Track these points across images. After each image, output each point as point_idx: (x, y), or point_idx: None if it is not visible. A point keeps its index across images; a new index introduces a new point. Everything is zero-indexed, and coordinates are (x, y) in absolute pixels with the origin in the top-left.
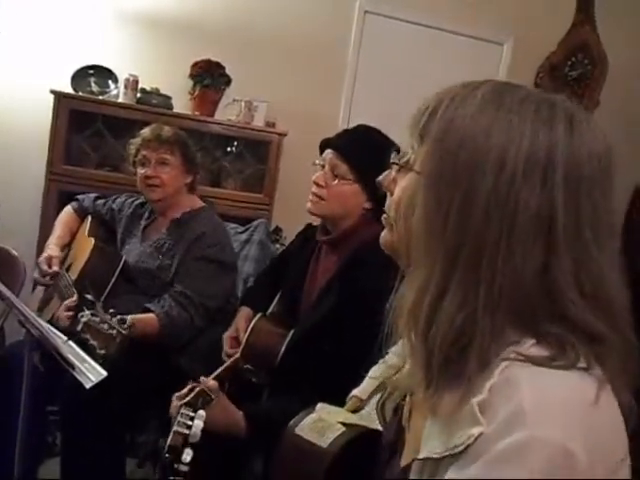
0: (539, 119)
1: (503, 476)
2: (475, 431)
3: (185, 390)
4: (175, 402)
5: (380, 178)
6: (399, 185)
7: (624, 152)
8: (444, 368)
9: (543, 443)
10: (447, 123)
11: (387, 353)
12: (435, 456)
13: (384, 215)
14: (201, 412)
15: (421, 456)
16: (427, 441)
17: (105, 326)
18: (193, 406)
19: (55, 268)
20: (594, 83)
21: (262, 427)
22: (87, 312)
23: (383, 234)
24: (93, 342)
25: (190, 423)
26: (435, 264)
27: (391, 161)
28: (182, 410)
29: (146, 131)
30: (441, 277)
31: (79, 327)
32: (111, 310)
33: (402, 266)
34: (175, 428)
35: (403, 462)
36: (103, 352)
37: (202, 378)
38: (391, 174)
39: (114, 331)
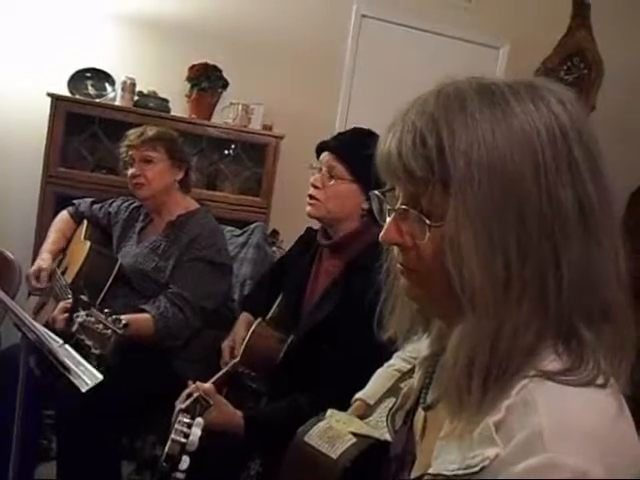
0: (541, 108)
1: None
2: (491, 453)
3: (182, 396)
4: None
5: (383, 235)
6: (425, 238)
7: (619, 156)
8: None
9: (562, 467)
10: (465, 156)
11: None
12: (448, 473)
13: (399, 267)
14: (199, 420)
15: (433, 471)
16: (439, 456)
17: (100, 326)
18: (191, 413)
19: (44, 283)
20: (590, 87)
21: (261, 427)
22: (82, 313)
23: (408, 286)
24: (88, 342)
25: (188, 431)
26: (505, 303)
27: (396, 208)
28: (180, 417)
29: (131, 132)
30: (516, 312)
31: (74, 328)
32: (106, 310)
33: (432, 315)
34: (173, 436)
35: (413, 474)
36: (98, 352)
37: (198, 383)
38: (391, 227)
39: (109, 331)
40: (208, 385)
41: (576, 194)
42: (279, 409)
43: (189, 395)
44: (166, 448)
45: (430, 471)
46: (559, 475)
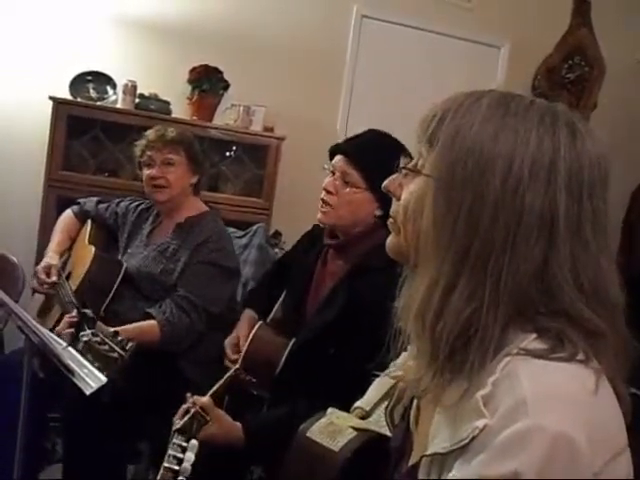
0: (543, 127)
1: (507, 465)
2: (480, 423)
3: (180, 412)
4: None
5: (386, 183)
6: (407, 189)
7: (621, 154)
8: (449, 360)
9: (545, 431)
10: (455, 130)
11: (395, 358)
12: (442, 451)
13: (390, 220)
14: (193, 442)
15: (429, 452)
16: (434, 438)
17: (106, 347)
18: (187, 432)
19: (54, 278)
20: (591, 85)
21: (261, 439)
22: (88, 331)
23: (389, 239)
24: (94, 364)
25: (181, 456)
26: (444, 263)
27: (400, 166)
28: (174, 439)
29: (151, 132)
30: (450, 274)
31: (80, 346)
32: (112, 329)
33: (408, 268)
34: (165, 464)
35: (411, 462)
36: (104, 374)
37: (196, 397)
38: (398, 179)
39: (115, 354)
40: (206, 399)
41: (546, 204)
42: (278, 418)
43: (186, 411)
44: (158, 476)
45: (427, 453)
46: (542, 439)
